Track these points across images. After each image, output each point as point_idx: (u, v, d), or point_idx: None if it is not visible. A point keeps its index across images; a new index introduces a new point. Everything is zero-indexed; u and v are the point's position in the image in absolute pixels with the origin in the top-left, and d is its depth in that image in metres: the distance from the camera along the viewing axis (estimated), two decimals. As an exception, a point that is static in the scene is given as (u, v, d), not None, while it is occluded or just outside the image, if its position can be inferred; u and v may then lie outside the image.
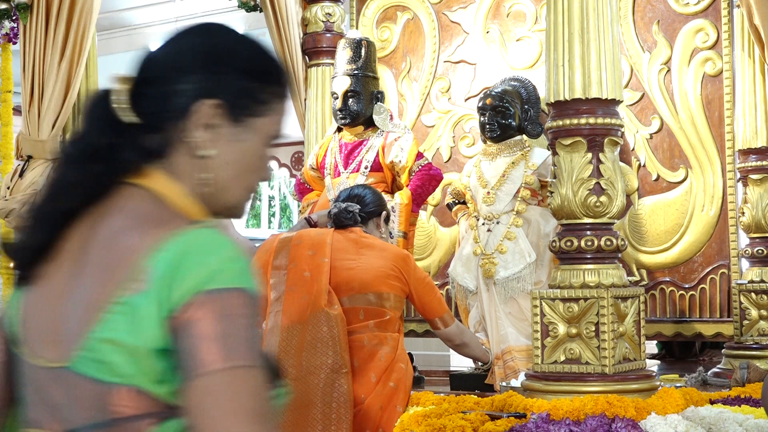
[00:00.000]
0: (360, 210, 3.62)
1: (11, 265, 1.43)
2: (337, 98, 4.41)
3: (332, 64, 4.77)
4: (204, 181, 1.33)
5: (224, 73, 1.34)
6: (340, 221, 3.59)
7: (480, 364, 4.14)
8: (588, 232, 3.18)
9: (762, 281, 4.18)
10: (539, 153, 4.24)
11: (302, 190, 4.69)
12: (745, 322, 4.18)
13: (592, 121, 3.17)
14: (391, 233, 4.16)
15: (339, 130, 4.54)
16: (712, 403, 3.26)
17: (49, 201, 1.33)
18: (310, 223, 3.93)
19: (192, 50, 1.36)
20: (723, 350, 4.36)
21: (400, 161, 4.30)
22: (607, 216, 3.18)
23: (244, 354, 1.21)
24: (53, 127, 4.16)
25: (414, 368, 4.38)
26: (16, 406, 1.38)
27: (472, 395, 3.47)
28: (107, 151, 1.31)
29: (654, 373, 3.28)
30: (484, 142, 4.40)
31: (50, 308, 1.31)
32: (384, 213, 3.74)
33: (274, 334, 3.28)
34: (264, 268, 3.39)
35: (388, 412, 3.27)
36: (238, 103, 1.34)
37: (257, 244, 3.70)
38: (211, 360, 1.19)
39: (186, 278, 1.21)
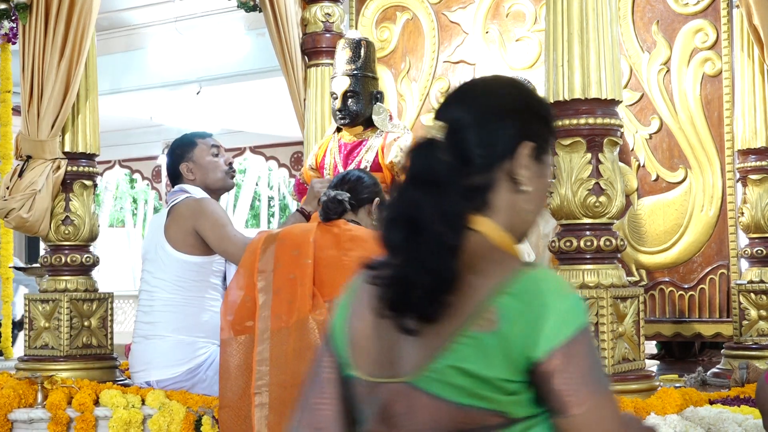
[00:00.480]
0: (350, 197, 3.44)
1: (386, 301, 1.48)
2: (336, 98, 4.41)
3: (332, 64, 4.77)
4: (520, 214, 1.55)
5: (534, 120, 1.57)
6: (327, 212, 3.41)
7: None
8: (587, 233, 3.18)
9: (761, 281, 4.17)
10: (539, 153, 4.24)
11: (302, 190, 4.69)
12: (745, 322, 4.17)
13: (591, 121, 3.17)
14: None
15: (338, 130, 4.54)
16: (711, 403, 3.26)
17: (435, 238, 1.45)
18: (304, 215, 3.87)
19: (510, 99, 1.58)
20: (722, 350, 4.36)
21: (399, 161, 4.30)
22: (607, 216, 3.18)
23: (603, 382, 1.43)
24: (52, 127, 4.16)
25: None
26: (356, 423, 1.58)
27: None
28: (455, 194, 1.48)
29: (653, 374, 3.28)
30: (484, 142, 4.40)
31: (387, 331, 1.49)
32: (377, 200, 3.55)
33: (264, 340, 3.16)
34: (250, 270, 3.25)
35: None
36: (542, 144, 1.57)
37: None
38: (582, 397, 1.40)
39: (542, 328, 1.40)
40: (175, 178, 4.17)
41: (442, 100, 1.61)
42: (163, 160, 14.06)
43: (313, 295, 3.20)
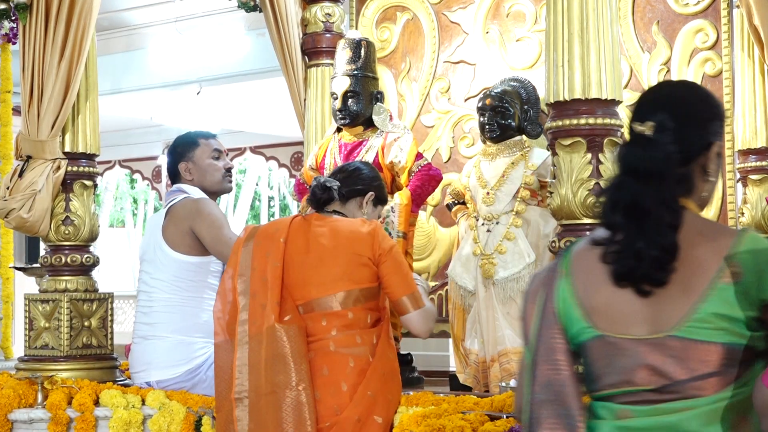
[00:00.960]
0: (341, 187, 3.32)
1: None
2: (336, 98, 4.41)
3: (332, 64, 4.77)
4: (703, 198, 1.93)
5: (718, 123, 1.95)
6: (312, 198, 3.31)
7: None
8: (587, 233, 3.17)
9: (761, 282, 4.17)
10: (539, 153, 4.23)
11: (302, 190, 4.68)
12: (745, 322, 4.17)
13: (591, 121, 3.17)
14: (390, 233, 4.14)
15: (338, 130, 4.54)
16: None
17: (657, 219, 1.83)
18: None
19: (703, 106, 1.94)
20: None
21: (399, 161, 4.30)
22: (607, 216, 3.18)
23: None
24: (52, 127, 4.15)
25: (413, 368, 4.38)
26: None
27: (472, 395, 3.47)
28: (670, 182, 1.85)
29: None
30: (484, 142, 4.40)
31: (626, 296, 1.85)
32: (370, 194, 3.41)
33: (243, 344, 3.10)
34: (233, 271, 3.21)
35: (367, 425, 3.06)
36: (722, 143, 1.96)
37: None
38: None
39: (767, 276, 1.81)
40: (174, 176, 4.17)
41: (642, 101, 1.95)
42: (163, 160, 14.04)
43: (282, 300, 3.13)
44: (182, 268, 3.92)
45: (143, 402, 3.78)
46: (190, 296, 3.92)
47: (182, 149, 4.13)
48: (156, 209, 18.23)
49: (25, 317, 4.28)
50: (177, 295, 3.92)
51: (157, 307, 3.95)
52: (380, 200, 3.51)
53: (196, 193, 4.03)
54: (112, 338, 4.32)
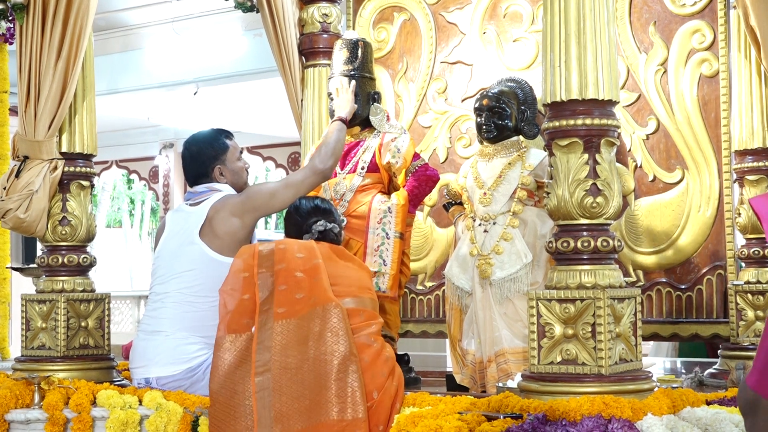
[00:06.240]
0: (339, 229, 3.86)
1: None
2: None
3: (329, 64, 4.77)
4: None
5: None
6: (324, 239, 3.74)
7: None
8: (584, 233, 3.18)
9: (758, 282, 4.18)
10: (536, 154, 4.24)
11: (299, 190, 4.68)
12: (742, 322, 4.18)
13: (588, 121, 3.17)
14: (387, 233, 4.16)
15: (336, 130, 4.53)
16: (708, 403, 3.26)
17: None
18: (343, 121, 4.24)
19: None
20: (719, 351, 4.36)
21: (396, 162, 4.30)
22: (604, 217, 3.18)
23: None
24: (49, 127, 4.15)
25: (410, 369, 4.39)
26: None
27: (469, 396, 3.47)
28: None
29: (650, 374, 3.28)
30: (481, 142, 4.40)
31: None
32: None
33: (266, 330, 3.30)
34: (249, 272, 3.42)
35: (395, 409, 3.32)
36: None
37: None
38: None
39: None
40: (199, 176, 4.10)
41: None
42: (160, 160, 14.03)
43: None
44: (218, 270, 3.84)
45: (140, 402, 3.78)
46: (205, 297, 3.88)
47: (215, 152, 4.09)
48: (153, 209, 18.24)
49: (22, 318, 4.28)
50: (196, 296, 3.88)
51: (169, 303, 3.93)
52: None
53: (231, 191, 4.06)
54: (108, 338, 4.32)
